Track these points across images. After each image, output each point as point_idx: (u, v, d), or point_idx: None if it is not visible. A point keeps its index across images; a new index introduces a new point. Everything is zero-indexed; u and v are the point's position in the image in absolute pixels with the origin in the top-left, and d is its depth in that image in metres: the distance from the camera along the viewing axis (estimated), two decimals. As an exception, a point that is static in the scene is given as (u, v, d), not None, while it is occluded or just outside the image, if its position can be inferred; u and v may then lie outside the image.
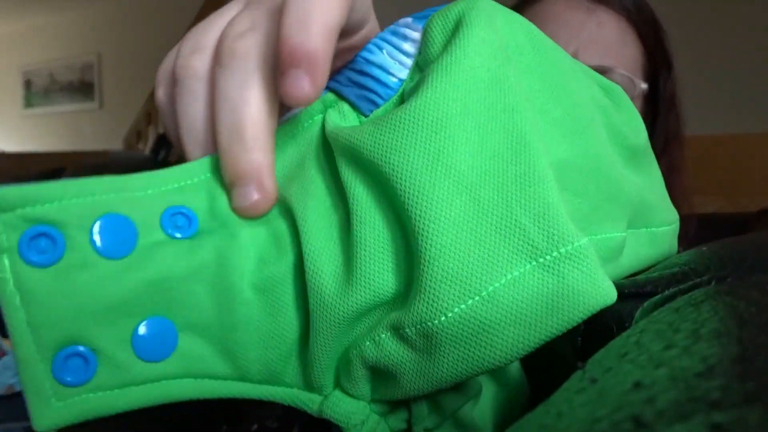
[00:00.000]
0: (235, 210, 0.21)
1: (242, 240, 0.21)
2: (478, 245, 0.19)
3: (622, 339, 0.20)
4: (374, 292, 0.20)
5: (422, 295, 0.19)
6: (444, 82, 0.20)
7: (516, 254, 0.19)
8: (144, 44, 5.46)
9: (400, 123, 0.20)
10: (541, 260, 0.19)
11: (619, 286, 0.35)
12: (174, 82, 0.23)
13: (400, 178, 0.19)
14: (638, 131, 0.31)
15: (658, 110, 0.63)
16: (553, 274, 0.19)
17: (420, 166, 0.19)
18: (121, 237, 0.20)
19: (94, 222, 0.19)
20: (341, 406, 0.22)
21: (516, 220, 0.19)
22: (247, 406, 0.62)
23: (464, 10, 0.21)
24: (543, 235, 0.19)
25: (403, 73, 0.23)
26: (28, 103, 6.70)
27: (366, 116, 0.23)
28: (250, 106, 0.21)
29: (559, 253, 0.19)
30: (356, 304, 0.20)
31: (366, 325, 0.21)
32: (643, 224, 0.30)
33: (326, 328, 0.21)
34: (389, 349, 0.20)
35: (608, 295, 0.21)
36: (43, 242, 0.19)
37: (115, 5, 5.73)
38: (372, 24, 0.25)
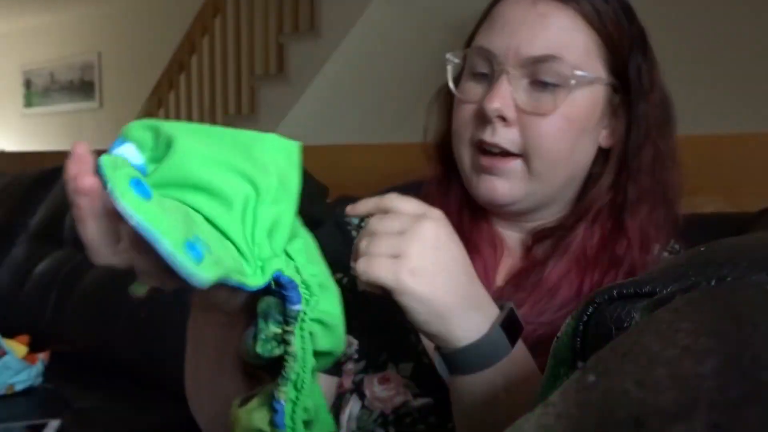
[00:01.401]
0: None
1: None
2: None
3: (622, 339, 0.20)
4: None
5: None
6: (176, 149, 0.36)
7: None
8: (144, 43, 5.46)
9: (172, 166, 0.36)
10: None
11: (618, 286, 0.35)
12: None
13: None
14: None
15: (631, 96, 0.62)
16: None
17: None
18: None
19: None
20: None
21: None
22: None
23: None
24: None
25: (141, 160, 0.37)
26: (28, 102, 6.69)
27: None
28: None
29: None
30: None
31: None
32: None
33: None
34: None
35: None
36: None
37: (116, 5, 5.73)
38: None
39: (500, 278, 0.65)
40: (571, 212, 0.64)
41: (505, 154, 0.60)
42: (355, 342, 0.64)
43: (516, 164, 0.60)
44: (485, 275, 0.63)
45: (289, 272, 0.38)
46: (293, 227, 0.40)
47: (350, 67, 3.36)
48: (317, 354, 0.40)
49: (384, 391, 0.61)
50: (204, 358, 0.52)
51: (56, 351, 1.31)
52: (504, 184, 0.60)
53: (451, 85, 0.65)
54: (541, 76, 0.58)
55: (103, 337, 1.33)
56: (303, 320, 0.38)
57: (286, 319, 0.38)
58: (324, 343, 0.40)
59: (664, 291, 0.27)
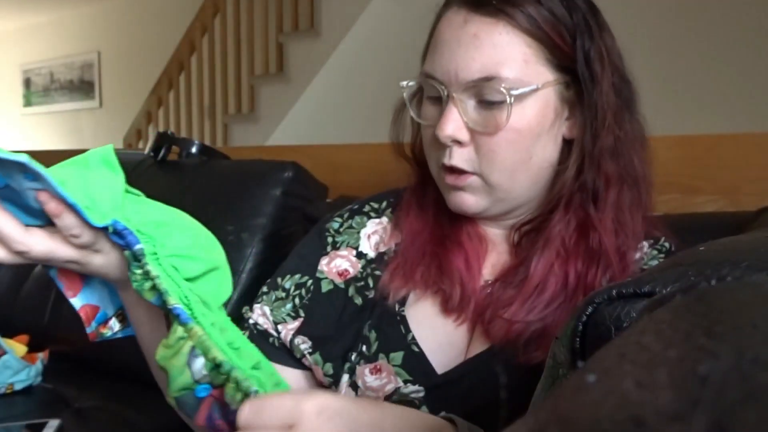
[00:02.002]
0: None
1: None
2: None
3: (621, 339, 0.20)
4: None
5: None
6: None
7: None
8: (144, 43, 5.46)
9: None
10: None
11: (617, 286, 0.35)
12: None
13: None
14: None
15: (582, 87, 0.62)
16: None
17: None
18: None
19: None
20: None
21: None
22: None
23: None
24: None
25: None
26: (28, 101, 6.69)
27: None
28: None
29: None
30: None
31: None
32: None
33: None
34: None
35: None
36: None
37: (116, 4, 5.73)
38: None
39: (487, 272, 0.67)
40: (545, 205, 0.65)
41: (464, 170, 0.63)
42: (309, 341, 0.67)
43: (474, 179, 0.62)
44: (467, 267, 0.65)
45: (124, 222, 0.49)
46: (133, 200, 0.52)
47: (350, 66, 3.36)
48: (198, 279, 0.51)
49: (376, 381, 0.62)
50: (149, 347, 0.58)
51: (56, 351, 1.31)
52: (470, 198, 0.63)
53: (412, 113, 0.67)
54: (484, 96, 0.59)
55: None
56: (157, 258, 0.49)
57: (138, 258, 0.49)
58: (193, 269, 0.51)
59: (664, 291, 0.27)
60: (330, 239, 0.73)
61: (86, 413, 1.12)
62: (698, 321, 0.19)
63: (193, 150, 1.46)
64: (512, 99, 0.58)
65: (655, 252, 0.64)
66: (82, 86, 6.14)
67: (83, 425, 1.07)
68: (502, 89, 0.58)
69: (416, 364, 0.62)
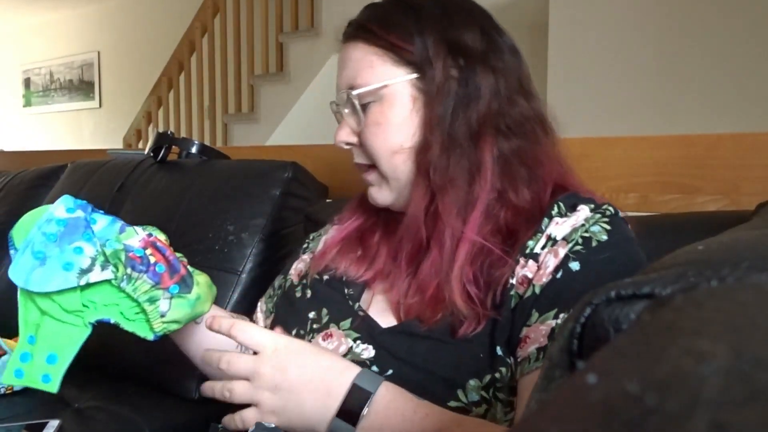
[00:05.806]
0: None
1: None
2: None
3: (622, 339, 0.20)
4: None
5: None
6: None
7: None
8: (144, 43, 5.46)
9: None
10: None
11: (616, 287, 0.35)
12: None
13: None
14: None
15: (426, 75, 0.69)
16: None
17: None
18: None
19: None
20: None
21: None
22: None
23: None
24: None
25: None
26: (28, 101, 6.69)
27: None
28: None
29: None
30: None
31: None
32: None
33: None
34: None
35: None
36: None
37: (115, 4, 5.73)
38: None
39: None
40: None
41: (370, 165, 0.73)
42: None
43: (374, 173, 0.73)
44: (390, 253, 0.75)
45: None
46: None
47: (350, 66, 3.36)
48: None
49: (329, 345, 0.71)
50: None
51: (56, 351, 1.31)
52: (377, 191, 0.74)
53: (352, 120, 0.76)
54: (352, 103, 0.72)
55: (103, 338, 1.33)
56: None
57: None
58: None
59: (663, 292, 0.27)
60: (306, 245, 0.87)
61: (86, 413, 1.12)
62: (698, 322, 0.19)
63: (193, 150, 1.46)
64: (358, 100, 0.71)
65: (598, 216, 0.65)
66: (82, 86, 6.14)
67: (83, 425, 1.07)
68: (354, 94, 0.70)
69: (362, 323, 0.71)
